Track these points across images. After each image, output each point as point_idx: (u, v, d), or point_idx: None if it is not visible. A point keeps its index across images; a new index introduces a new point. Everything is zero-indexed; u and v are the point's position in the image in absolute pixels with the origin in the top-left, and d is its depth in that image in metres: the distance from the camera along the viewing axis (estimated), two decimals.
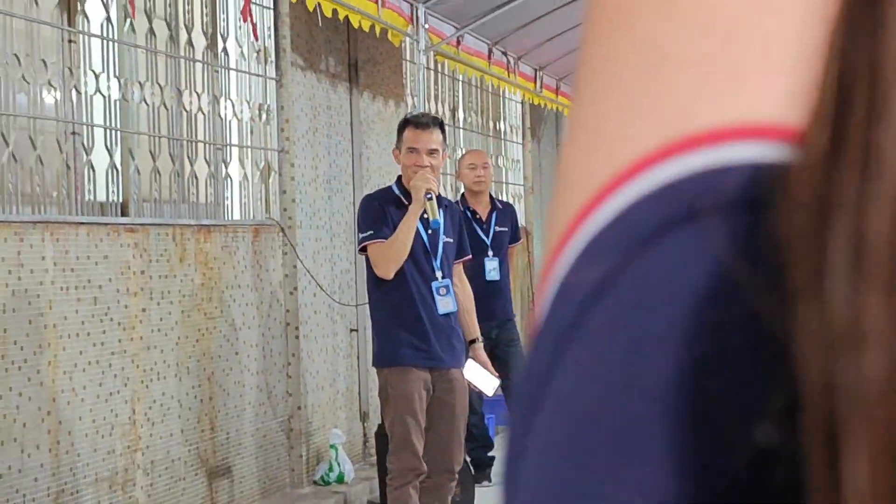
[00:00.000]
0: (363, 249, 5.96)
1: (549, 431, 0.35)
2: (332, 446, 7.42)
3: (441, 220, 6.03)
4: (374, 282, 5.96)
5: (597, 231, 0.34)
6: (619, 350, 0.33)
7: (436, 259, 6.00)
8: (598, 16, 0.40)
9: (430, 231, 6.00)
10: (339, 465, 7.38)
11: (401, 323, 5.85)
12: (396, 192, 6.05)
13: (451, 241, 6.17)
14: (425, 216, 5.99)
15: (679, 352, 0.32)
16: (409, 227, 5.85)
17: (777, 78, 0.34)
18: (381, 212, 5.93)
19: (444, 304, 5.88)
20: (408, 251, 5.84)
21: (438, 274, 5.88)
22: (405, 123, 6.21)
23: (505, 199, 9.57)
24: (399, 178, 6.16)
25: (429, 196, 6.06)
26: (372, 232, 5.84)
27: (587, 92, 0.39)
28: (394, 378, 5.83)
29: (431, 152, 6.05)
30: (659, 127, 0.34)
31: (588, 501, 0.33)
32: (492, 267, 7.88)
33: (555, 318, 0.35)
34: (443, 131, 6.30)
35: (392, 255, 5.80)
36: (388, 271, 5.81)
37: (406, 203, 5.91)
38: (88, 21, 5.92)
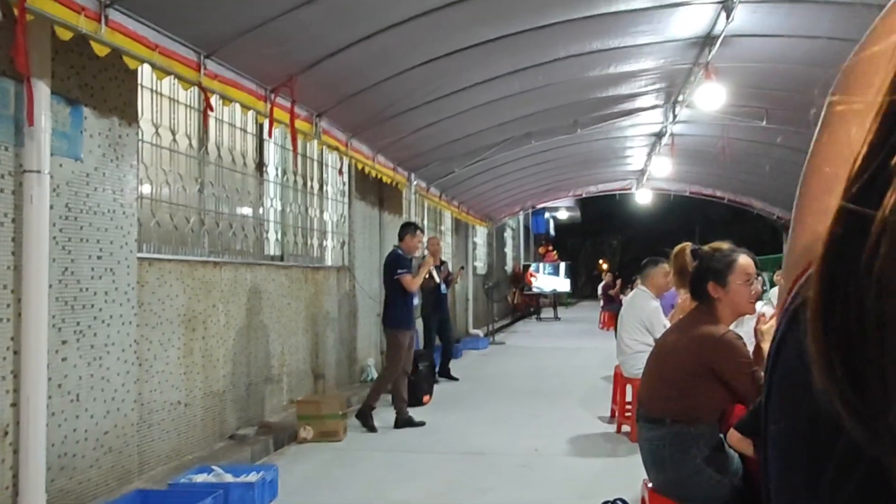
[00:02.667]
0: (398, 278, 5.75)
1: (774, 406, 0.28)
2: (367, 365, 7.45)
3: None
4: (396, 291, 5.77)
5: (797, 291, 0.30)
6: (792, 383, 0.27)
7: None
8: (806, 188, 0.33)
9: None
10: (370, 373, 7.34)
11: (407, 309, 5.76)
12: (401, 253, 5.88)
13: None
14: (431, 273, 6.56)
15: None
16: (422, 275, 6.01)
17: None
18: (406, 262, 5.83)
19: (416, 301, 6.04)
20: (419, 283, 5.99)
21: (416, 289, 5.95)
22: (416, 227, 6.03)
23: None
24: (398, 245, 5.95)
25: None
26: (406, 270, 5.76)
27: (806, 206, 0.32)
28: (401, 335, 5.72)
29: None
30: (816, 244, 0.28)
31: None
32: (443, 288, 8.10)
33: (783, 321, 0.30)
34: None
35: (417, 283, 5.82)
36: (414, 289, 5.80)
37: (408, 259, 5.91)
38: (268, 174, 6.00)
